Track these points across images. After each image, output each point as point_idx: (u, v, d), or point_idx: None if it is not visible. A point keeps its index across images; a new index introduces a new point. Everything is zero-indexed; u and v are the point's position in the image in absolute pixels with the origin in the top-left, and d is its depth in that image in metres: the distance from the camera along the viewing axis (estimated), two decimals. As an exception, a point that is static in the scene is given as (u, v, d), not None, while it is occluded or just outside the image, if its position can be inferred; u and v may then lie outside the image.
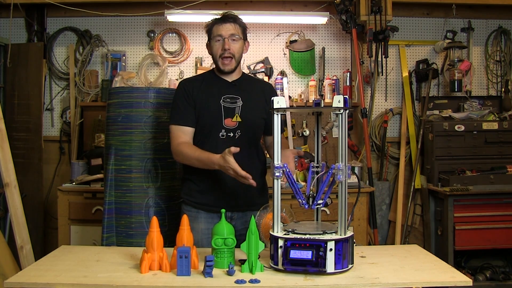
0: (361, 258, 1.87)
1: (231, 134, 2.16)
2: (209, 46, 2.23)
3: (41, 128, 3.95)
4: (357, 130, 4.08)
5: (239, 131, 2.17)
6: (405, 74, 4.12)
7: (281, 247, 1.66)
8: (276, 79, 3.87)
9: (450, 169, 3.71)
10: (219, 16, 2.21)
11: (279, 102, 1.73)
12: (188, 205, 2.23)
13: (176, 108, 2.21)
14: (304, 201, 1.74)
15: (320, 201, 1.76)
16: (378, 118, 4.12)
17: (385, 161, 4.09)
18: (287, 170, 1.73)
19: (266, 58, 3.98)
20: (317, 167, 1.86)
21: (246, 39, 2.25)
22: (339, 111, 1.66)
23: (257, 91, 2.28)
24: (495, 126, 3.73)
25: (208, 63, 3.98)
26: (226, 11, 2.24)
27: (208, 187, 2.19)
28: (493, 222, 3.54)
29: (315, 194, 1.76)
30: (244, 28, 2.22)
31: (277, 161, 1.73)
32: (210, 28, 2.20)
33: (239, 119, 2.17)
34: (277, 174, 1.72)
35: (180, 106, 2.19)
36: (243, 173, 1.90)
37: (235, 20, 2.18)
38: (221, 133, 2.16)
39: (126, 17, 4.03)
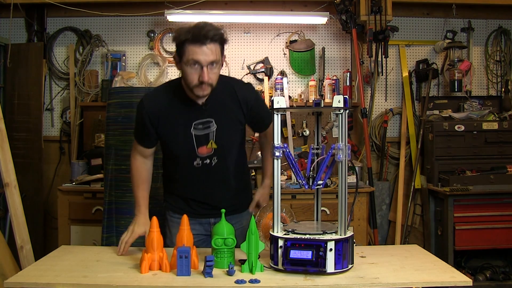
0: (361, 258, 1.87)
1: (208, 161, 1.97)
2: (179, 64, 1.84)
3: (41, 128, 3.95)
4: (357, 130, 4.08)
5: (215, 158, 1.97)
6: (405, 74, 4.12)
7: (281, 247, 1.66)
8: (276, 79, 3.87)
9: (450, 169, 3.71)
10: (194, 26, 1.78)
11: (279, 102, 1.73)
12: (172, 211, 2.13)
13: (136, 127, 2.01)
14: (304, 182, 1.74)
15: (320, 182, 1.76)
16: (378, 118, 4.12)
17: (385, 161, 4.08)
18: (287, 150, 1.72)
19: (266, 58, 3.98)
20: (317, 148, 1.86)
21: (223, 53, 1.86)
22: (339, 111, 1.66)
23: (230, 105, 1.96)
24: (495, 126, 3.73)
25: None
26: (200, 22, 1.79)
27: (191, 196, 2.08)
28: (493, 222, 3.54)
29: (315, 175, 1.76)
30: (223, 43, 1.82)
31: (277, 142, 1.71)
32: (182, 45, 1.77)
33: (214, 146, 1.94)
34: (277, 154, 1.71)
35: (139, 128, 1.99)
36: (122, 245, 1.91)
37: (215, 38, 1.76)
38: (196, 162, 1.95)
39: (126, 17, 4.03)
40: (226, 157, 2.00)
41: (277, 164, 1.71)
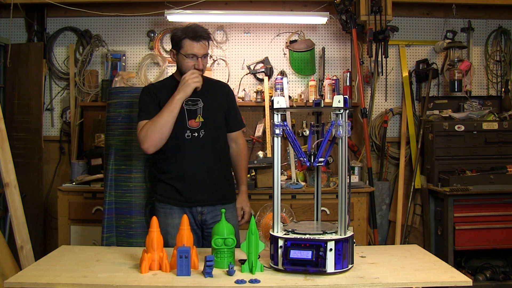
0: (361, 258, 1.87)
1: (196, 134, 2.29)
2: (176, 56, 2.29)
3: (41, 128, 3.95)
4: (357, 130, 4.08)
5: (202, 130, 2.30)
6: (405, 74, 4.12)
7: (281, 247, 1.66)
8: (276, 79, 3.87)
9: (450, 169, 3.71)
10: (188, 26, 2.26)
11: (279, 102, 1.74)
12: (162, 202, 2.32)
13: (141, 107, 2.30)
14: (305, 159, 1.75)
15: (321, 159, 1.77)
16: (378, 118, 4.12)
17: (385, 161, 4.08)
18: (288, 128, 1.77)
19: (266, 58, 3.99)
20: (317, 126, 1.87)
21: (209, 47, 2.37)
22: (339, 111, 1.66)
23: (216, 91, 2.41)
24: (495, 126, 3.73)
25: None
26: (191, 24, 2.29)
27: (178, 184, 2.28)
28: (493, 222, 3.54)
29: (316, 152, 1.77)
30: (210, 39, 2.33)
31: (277, 120, 1.75)
32: (180, 41, 2.25)
33: (201, 119, 2.30)
34: (277, 132, 1.74)
35: (146, 104, 2.29)
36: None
37: (206, 37, 2.27)
38: (186, 134, 2.28)
39: (126, 17, 4.03)
40: (212, 133, 2.32)
41: (277, 142, 1.74)
